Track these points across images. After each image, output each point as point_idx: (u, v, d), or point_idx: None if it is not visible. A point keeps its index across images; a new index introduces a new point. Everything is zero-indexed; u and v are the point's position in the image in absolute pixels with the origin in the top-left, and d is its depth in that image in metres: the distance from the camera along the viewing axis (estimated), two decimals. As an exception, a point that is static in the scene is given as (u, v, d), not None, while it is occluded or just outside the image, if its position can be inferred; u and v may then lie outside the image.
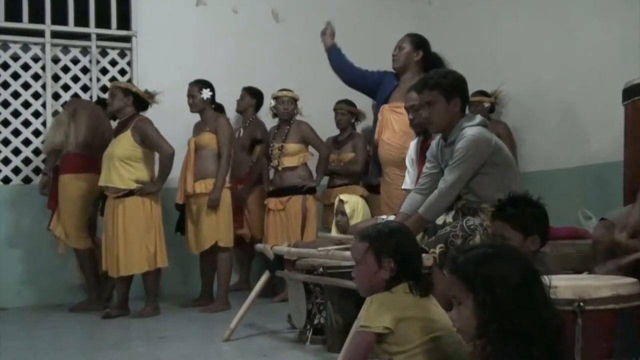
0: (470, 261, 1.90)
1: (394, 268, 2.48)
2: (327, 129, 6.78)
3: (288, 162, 6.16)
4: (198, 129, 5.95)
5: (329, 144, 6.61)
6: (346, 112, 6.65)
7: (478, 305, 1.84)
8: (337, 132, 6.79)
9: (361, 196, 5.79)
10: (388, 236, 2.55)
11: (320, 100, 6.77)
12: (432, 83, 3.66)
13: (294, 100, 6.27)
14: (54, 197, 5.94)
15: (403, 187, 4.45)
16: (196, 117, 5.97)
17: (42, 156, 6.43)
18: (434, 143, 3.89)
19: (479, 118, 3.70)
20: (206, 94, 5.83)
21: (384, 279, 2.50)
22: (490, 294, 1.82)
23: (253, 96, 6.74)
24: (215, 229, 5.73)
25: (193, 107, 5.89)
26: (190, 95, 5.86)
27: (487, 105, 6.18)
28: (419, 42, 4.89)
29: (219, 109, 6.17)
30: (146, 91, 5.74)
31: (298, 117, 6.30)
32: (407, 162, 4.46)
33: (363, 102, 6.75)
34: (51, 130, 5.97)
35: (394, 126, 4.85)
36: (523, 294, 1.82)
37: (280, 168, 6.19)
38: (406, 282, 2.48)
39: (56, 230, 5.90)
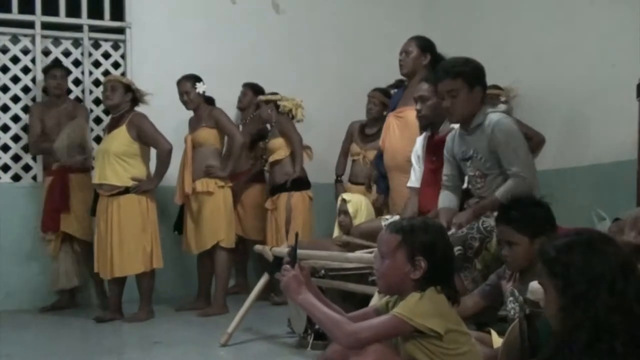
0: (555, 248, 1.93)
1: (425, 268, 2.29)
2: (328, 121, 6.74)
3: (272, 158, 6.13)
4: (193, 125, 5.85)
5: (355, 134, 6.41)
6: (378, 103, 6.29)
7: (558, 292, 1.88)
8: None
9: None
10: (423, 232, 2.34)
11: (322, 94, 6.64)
12: (455, 71, 3.58)
13: (270, 102, 6.16)
14: (65, 198, 5.80)
15: (408, 184, 4.34)
16: (190, 112, 5.86)
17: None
18: (449, 138, 3.80)
19: (503, 107, 3.64)
20: (201, 87, 5.75)
21: (412, 279, 2.30)
22: (567, 281, 1.86)
23: (256, 93, 6.56)
24: (217, 228, 5.63)
25: (189, 104, 5.78)
26: (184, 92, 5.74)
27: (503, 99, 6.00)
28: (425, 46, 4.77)
29: (210, 101, 6.01)
30: (137, 89, 5.61)
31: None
32: (413, 159, 4.35)
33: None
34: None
35: (395, 130, 4.79)
36: (608, 286, 1.83)
37: (266, 168, 6.25)
38: (434, 286, 2.29)
39: (69, 229, 5.82)
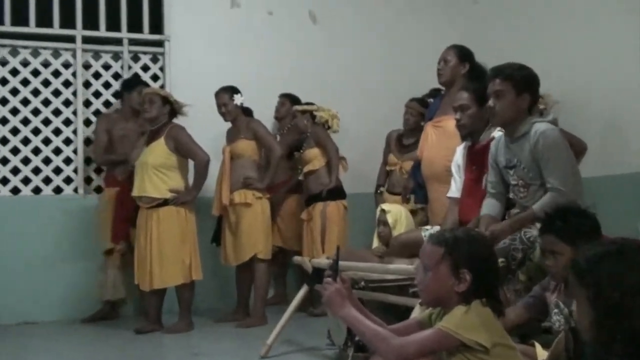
0: (586, 258, 1.87)
1: (470, 281, 2.23)
2: (364, 132, 6.70)
3: (307, 168, 6.08)
4: (231, 136, 5.84)
5: (392, 144, 6.34)
6: (416, 113, 6.18)
7: (589, 303, 1.82)
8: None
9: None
10: (467, 244, 2.29)
11: (358, 104, 6.59)
12: (507, 73, 3.60)
13: (306, 112, 6.13)
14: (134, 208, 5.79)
15: (448, 195, 4.26)
16: (228, 123, 5.86)
17: (73, 165, 6.34)
18: (493, 145, 3.77)
19: (550, 117, 3.61)
20: (238, 99, 5.75)
21: (456, 291, 2.25)
22: (598, 293, 1.79)
23: (293, 103, 6.52)
24: (255, 240, 5.63)
25: (227, 116, 5.78)
26: (222, 104, 5.74)
27: (541, 107, 5.90)
28: (464, 55, 4.74)
29: (248, 112, 6.00)
30: (175, 101, 5.61)
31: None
32: (453, 169, 4.28)
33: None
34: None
35: (433, 139, 4.74)
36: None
37: (300, 178, 6.22)
38: (479, 298, 2.24)
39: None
